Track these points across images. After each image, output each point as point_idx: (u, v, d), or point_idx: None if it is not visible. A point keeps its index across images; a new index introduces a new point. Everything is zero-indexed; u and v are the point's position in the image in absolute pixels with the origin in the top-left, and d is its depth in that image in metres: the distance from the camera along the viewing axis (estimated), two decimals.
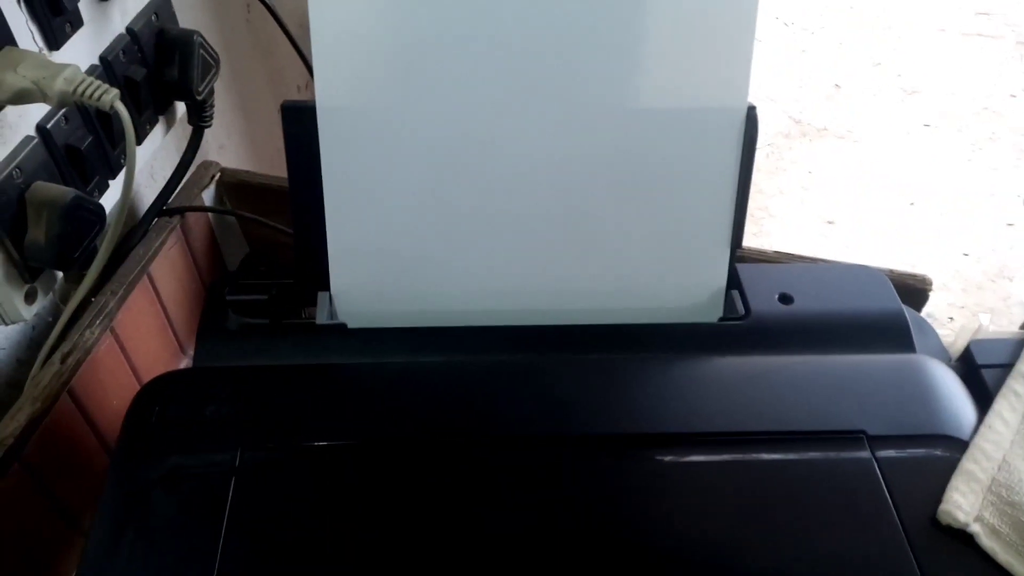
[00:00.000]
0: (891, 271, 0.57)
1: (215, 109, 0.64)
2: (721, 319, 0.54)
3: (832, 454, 0.43)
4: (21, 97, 0.45)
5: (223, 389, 0.46)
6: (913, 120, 1.50)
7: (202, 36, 0.60)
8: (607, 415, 0.45)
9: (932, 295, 0.59)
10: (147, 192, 0.63)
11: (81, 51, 0.52)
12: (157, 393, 0.47)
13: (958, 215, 1.32)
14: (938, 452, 0.43)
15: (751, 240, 0.76)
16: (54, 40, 0.49)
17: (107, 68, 0.54)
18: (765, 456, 0.43)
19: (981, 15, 1.73)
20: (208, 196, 0.66)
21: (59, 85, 0.45)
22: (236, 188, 0.68)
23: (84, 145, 0.52)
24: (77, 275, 0.53)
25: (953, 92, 1.55)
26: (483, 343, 0.52)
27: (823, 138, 1.48)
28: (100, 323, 0.53)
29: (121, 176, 0.56)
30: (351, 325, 0.53)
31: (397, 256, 0.53)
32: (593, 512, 0.41)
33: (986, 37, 1.68)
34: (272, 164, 0.86)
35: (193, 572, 0.39)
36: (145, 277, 0.57)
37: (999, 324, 0.64)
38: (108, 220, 0.53)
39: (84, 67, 0.52)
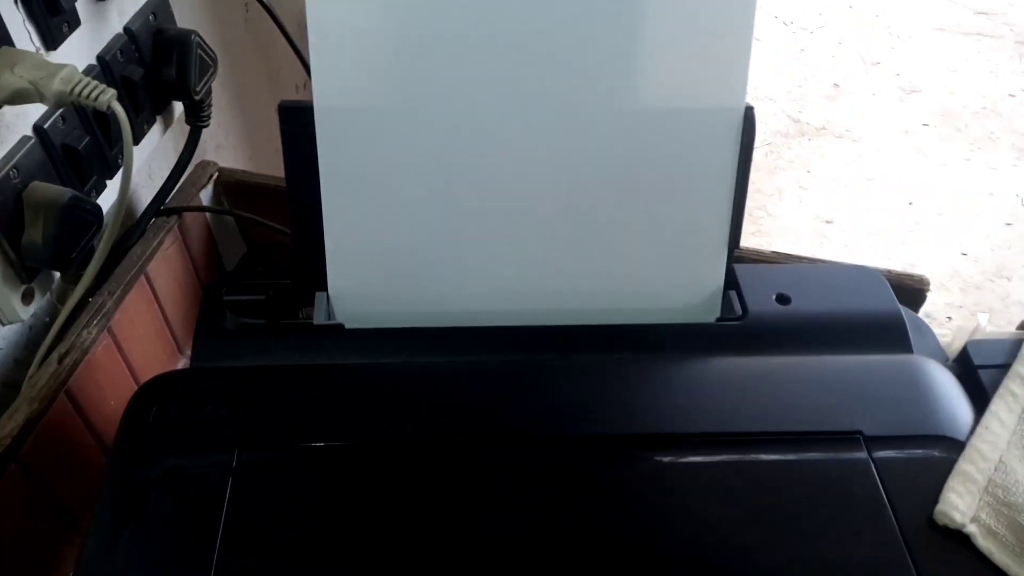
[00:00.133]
0: (889, 271, 0.58)
1: (213, 109, 0.64)
2: (718, 319, 0.54)
3: (829, 454, 0.43)
4: (18, 97, 0.45)
5: (220, 389, 0.46)
6: (912, 120, 1.50)
7: (200, 36, 0.60)
8: (603, 416, 0.45)
9: (930, 295, 0.59)
10: (144, 192, 0.63)
11: (78, 51, 0.52)
12: (154, 393, 0.47)
13: (957, 215, 1.32)
14: (935, 453, 0.43)
15: (750, 240, 0.76)
16: (51, 40, 0.49)
17: (104, 68, 0.54)
18: (762, 456, 0.43)
19: (980, 15, 1.73)
20: (206, 196, 0.66)
21: (56, 85, 0.45)
22: (234, 188, 0.68)
23: (81, 145, 0.52)
24: (74, 275, 0.53)
25: (952, 92, 1.55)
26: (479, 344, 0.52)
27: (822, 137, 1.48)
28: (97, 323, 0.53)
29: (118, 176, 0.56)
30: (349, 326, 0.53)
31: (395, 256, 0.53)
32: (588, 512, 0.41)
33: (985, 37, 1.68)
34: (270, 164, 0.86)
35: (190, 572, 0.39)
36: (142, 277, 0.57)
37: (997, 324, 0.65)
38: (105, 220, 0.53)
39: (81, 67, 0.52)
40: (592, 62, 0.50)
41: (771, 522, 0.41)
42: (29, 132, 0.49)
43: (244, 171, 0.68)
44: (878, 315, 0.53)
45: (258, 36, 0.82)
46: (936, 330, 0.54)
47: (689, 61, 0.50)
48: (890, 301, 0.54)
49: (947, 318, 1.17)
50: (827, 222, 1.32)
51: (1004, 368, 0.47)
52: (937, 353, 0.52)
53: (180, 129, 0.64)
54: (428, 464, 0.43)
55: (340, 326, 0.53)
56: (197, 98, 0.61)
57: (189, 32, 0.59)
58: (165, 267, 0.60)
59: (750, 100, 0.51)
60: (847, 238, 1.29)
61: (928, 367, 0.48)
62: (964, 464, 0.42)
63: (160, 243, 0.59)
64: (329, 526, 0.41)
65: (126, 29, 0.56)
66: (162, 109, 0.61)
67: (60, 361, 0.50)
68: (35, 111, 0.49)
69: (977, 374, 0.48)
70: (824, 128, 1.49)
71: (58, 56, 0.50)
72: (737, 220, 0.53)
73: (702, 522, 0.41)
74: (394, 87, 0.50)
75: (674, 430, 0.45)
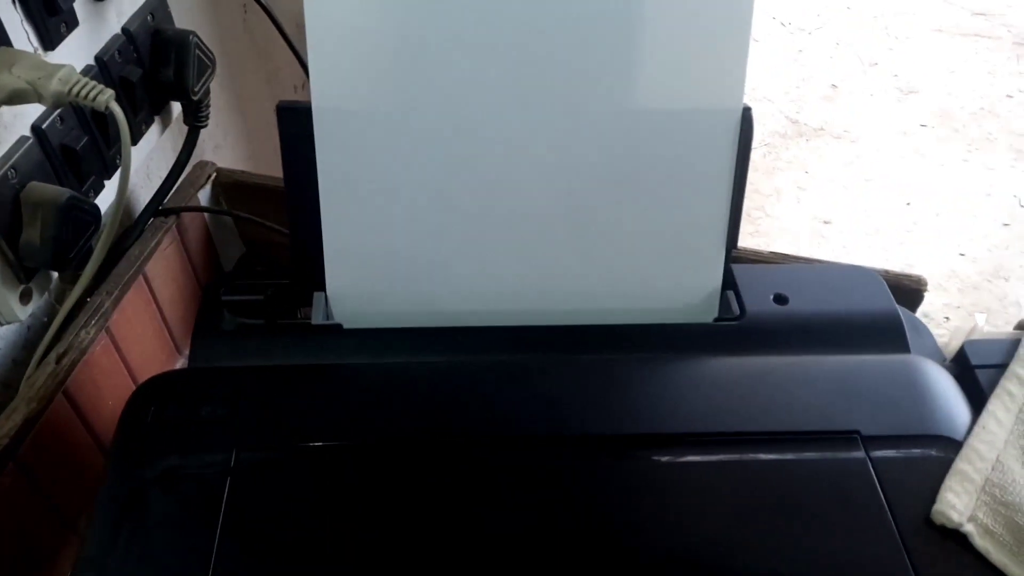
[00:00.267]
0: (887, 271, 0.58)
1: (211, 109, 0.64)
2: (716, 319, 0.54)
3: (827, 454, 0.43)
4: (16, 97, 0.45)
5: (219, 390, 0.46)
6: (910, 120, 1.50)
7: (198, 36, 0.60)
8: (601, 416, 0.45)
9: (928, 295, 0.59)
10: (143, 192, 0.63)
11: (76, 51, 0.52)
12: (153, 393, 0.47)
13: (954, 215, 1.32)
14: (932, 452, 0.43)
15: (748, 240, 0.76)
16: (49, 40, 0.49)
17: (103, 68, 0.54)
18: (760, 456, 0.43)
19: (978, 16, 1.74)
20: (204, 196, 0.66)
21: (54, 85, 0.45)
22: (232, 188, 0.68)
23: (79, 145, 0.52)
24: (72, 275, 0.53)
25: (950, 92, 1.56)
26: (478, 343, 0.52)
27: (820, 138, 1.48)
28: (95, 323, 0.53)
29: (116, 176, 0.56)
30: (347, 326, 0.53)
31: (393, 256, 0.53)
32: (586, 512, 0.41)
33: (983, 38, 1.68)
34: (268, 164, 0.86)
35: (188, 572, 0.39)
36: (141, 277, 0.57)
37: (995, 324, 0.65)
38: (103, 220, 0.53)
39: (79, 67, 0.52)
40: (590, 63, 0.50)
41: (769, 522, 0.41)
42: (27, 132, 0.49)
43: (242, 171, 0.68)
44: (876, 315, 0.53)
45: (256, 37, 0.82)
46: (934, 330, 0.54)
47: (687, 62, 0.50)
48: (888, 301, 0.54)
49: (945, 318, 1.17)
50: (825, 222, 1.32)
51: (1001, 368, 0.47)
52: (935, 353, 0.52)
53: (178, 129, 0.64)
54: (427, 464, 0.43)
55: (338, 326, 0.53)
56: (195, 98, 0.61)
57: (187, 32, 0.59)
58: (163, 267, 0.60)
59: (748, 101, 0.51)
60: (845, 238, 1.30)
61: (926, 367, 0.48)
62: (961, 464, 0.42)
63: (158, 243, 0.59)
64: (327, 526, 0.41)
65: (124, 30, 0.56)
66: (160, 109, 0.61)
67: (58, 361, 0.50)
68: (33, 111, 0.49)
69: (974, 374, 0.48)
70: (822, 129, 1.50)
71: (56, 56, 0.50)
72: (735, 220, 0.53)
73: (700, 522, 0.41)
74: (392, 87, 0.50)
75: (672, 430, 0.45)
